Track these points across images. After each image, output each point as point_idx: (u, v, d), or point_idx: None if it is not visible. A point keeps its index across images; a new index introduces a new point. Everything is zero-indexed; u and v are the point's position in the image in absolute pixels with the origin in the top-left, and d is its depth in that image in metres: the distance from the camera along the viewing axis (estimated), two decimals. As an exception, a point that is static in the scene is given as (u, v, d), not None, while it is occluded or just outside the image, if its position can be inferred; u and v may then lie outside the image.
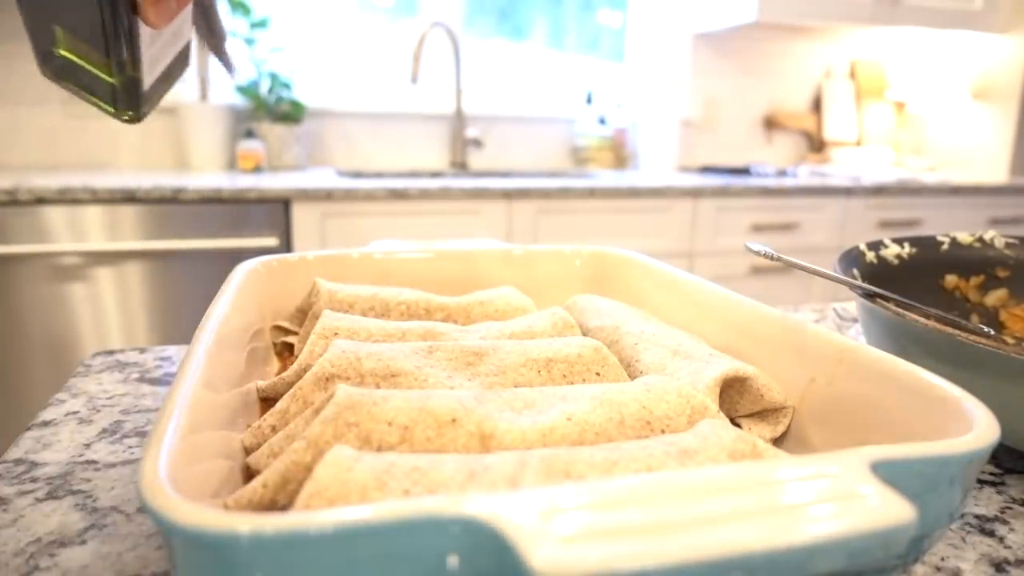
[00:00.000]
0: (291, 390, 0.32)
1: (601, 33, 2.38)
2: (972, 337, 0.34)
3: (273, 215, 1.49)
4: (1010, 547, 0.31)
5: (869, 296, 0.42)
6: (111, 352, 0.53)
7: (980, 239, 0.56)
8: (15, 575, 0.27)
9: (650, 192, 1.75)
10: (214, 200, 1.44)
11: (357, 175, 1.96)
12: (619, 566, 0.16)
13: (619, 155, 2.28)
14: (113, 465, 0.36)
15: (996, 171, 2.30)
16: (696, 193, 1.80)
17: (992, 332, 0.50)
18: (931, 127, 2.52)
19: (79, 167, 1.80)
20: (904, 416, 0.28)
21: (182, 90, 1.85)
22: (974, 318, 0.54)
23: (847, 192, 1.95)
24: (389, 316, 0.43)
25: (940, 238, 0.56)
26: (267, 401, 0.35)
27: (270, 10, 1.93)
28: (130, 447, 0.38)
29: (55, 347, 1.43)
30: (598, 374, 0.35)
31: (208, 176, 1.65)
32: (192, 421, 0.23)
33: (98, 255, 1.41)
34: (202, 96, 1.86)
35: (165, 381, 0.48)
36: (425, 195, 1.57)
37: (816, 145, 2.47)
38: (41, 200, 1.36)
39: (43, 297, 1.40)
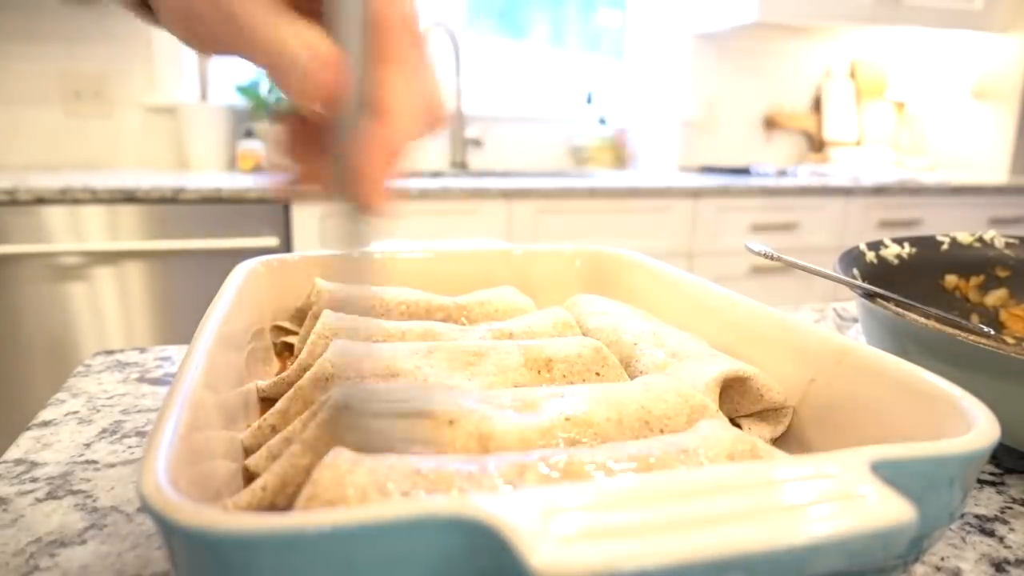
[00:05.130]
0: (291, 390, 0.32)
1: (601, 33, 2.38)
2: (972, 337, 0.34)
3: (273, 215, 1.49)
4: (1010, 547, 0.31)
5: (869, 296, 0.42)
6: (111, 352, 0.53)
7: (980, 239, 0.56)
8: (15, 575, 0.27)
9: (650, 192, 1.75)
10: (214, 200, 1.44)
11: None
12: (619, 566, 0.16)
13: (619, 155, 2.28)
14: (113, 465, 0.36)
15: (996, 171, 2.30)
16: (696, 193, 1.80)
17: (992, 332, 0.50)
18: (931, 127, 2.51)
19: (79, 167, 1.80)
20: (904, 416, 0.28)
21: (182, 90, 1.85)
22: (974, 318, 0.54)
23: (847, 192, 1.94)
24: (389, 316, 0.43)
25: (940, 238, 0.56)
26: (267, 401, 0.35)
27: (270, 10, 1.93)
28: (130, 447, 0.38)
29: (55, 347, 1.43)
30: (598, 374, 0.35)
31: (208, 176, 1.65)
32: (192, 421, 0.23)
33: (98, 255, 1.41)
34: (202, 96, 1.86)
35: (165, 381, 0.48)
36: (425, 195, 1.57)
37: (816, 145, 2.47)
38: (41, 200, 1.36)
39: (43, 297, 1.40)
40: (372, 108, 0.24)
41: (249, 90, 1.83)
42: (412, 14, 0.24)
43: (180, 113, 1.82)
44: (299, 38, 0.23)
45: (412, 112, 0.24)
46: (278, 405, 0.31)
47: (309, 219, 1.51)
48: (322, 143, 0.25)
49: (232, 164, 1.88)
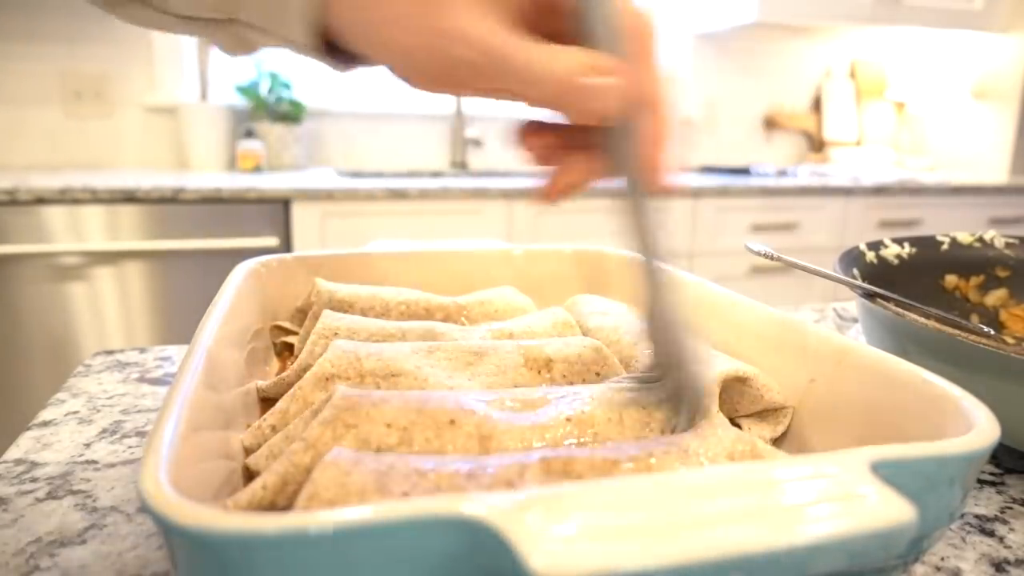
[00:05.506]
0: (291, 390, 0.32)
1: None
2: (972, 337, 0.34)
3: (273, 215, 1.49)
4: (1010, 547, 0.31)
5: (869, 296, 0.42)
6: (111, 352, 0.53)
7: (980, 239, 0.56)
8: (15, 575, 0.27)
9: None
10: (214, 200, 1.44)
11: (357, 175, 1.96)
12: (619, 566, 0.16)
13: (619, 155, 2.27)
14: (113, 465, 0.36)
15: (996, 171, 2.30)
16: (696, 193, 1.80)
17: (992, 332, 0.50)
18: (931, 127, 2.51)
19: (80, 167, 1.80)
20: (904, 416, 0.28)
21: (182, 90, 1.86)
22: (974, 318, 0.54)
23: (847, 192, 1.94)
24: (389, 316, 0.43)
25: (940, 238, 0.56)
26: (267, 401, 0.35)
27: (270, 10, 1.92)
28: (130, 447, 0.38)
29: (55, 347, 1.43)
30: (598, 374, 0.35)
31: (208, 176, 1.65)
32: (192, 421, 0.23)
33: (98, 255, 1.41)
34: (202, 96, 1.86)
35: (165, 381, 0.48)
36: (425, 195, 1.57)
37: (816, 145, 2.47)
38: (41, 200, 1.36)
39: (43, 297, 1.40)
40: (640, 102, 0.26)
41: (249, 90, 1.83)
42: (647, 16, 0.26)
43: (180, 113, 1.82)
44: (572, 62, 0.24)
45: (668, 101, 0.26)
46: (278, 405, 0.31)
47: (309, 219, 1.51)
48: (585, 141, 0.28)
49: (232, 164, 1.88)
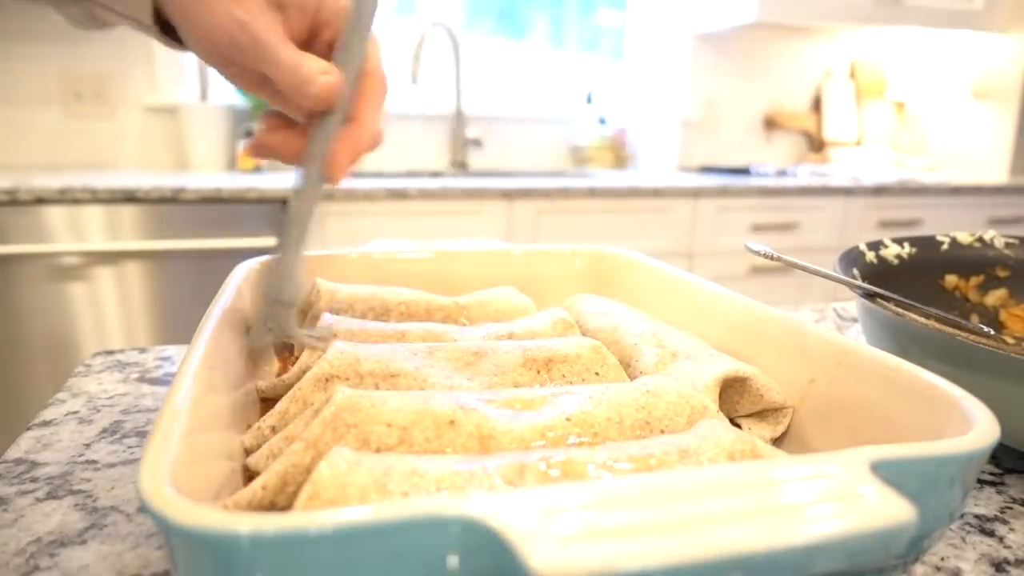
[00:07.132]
0: (291, 391, 0.32)
1: (601, 33, 2.38)
2: (972, 337, 0.34)
3: (273, 215, 1.49)
4: (1010, 547, 0.31)
5: (869, 296, 0.42)
6: (111, 352, 0.53)
7: (980, 239, 0.56)
8: (15, 575, 0.27)
9: (650, 192, 1.75)
10: (214, 200, 1.44)
11: (356, 175, 1.96)
12: (619, 566, 0.16)
13: (619, 155, 2.28)
14: (113, 465, 0.36)
15: (996, 171, 2.30)
16: (696, 193, 1.80)
17: (992, 332, 0.50)
18: (931, 127, 2.51)
19: (80, 167, 1.80)
20: (904, 416, 0.28)
21: (182, 90, 1.86)
22: (974, 318, 0.54)
23: (847, 192, 1.94)
24: (389, 316, 0.43)
25: (940, 238, 0.56)
26: (267, 401, 0.35)
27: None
28: (130, 447, 0.38)
29: (55, 347, 1.43)
30: (597, 374, 0.35)
31: (208, 176, 1.65)
32: (192, 421, 0.23)
33: (98, 255, 1.41)
34: (202, 96, 1.85)
35: (165, 381, 0.48)
36: (425, 195, 1.57)
37: (816, 145, 2.47)
38: (41, 200, 1.36)
39: (43, 297, 1.40)
40: (348, 119, 0.35)
41: (249, 90, 1.83)
42: (386, 76, 0.37)
43: (180, 113, 1.82)
44: (314, 64, 0.33)
45: (372, 130, 0.36)
46: (278, 406, 0.31)
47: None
48: (300, 131, 0.36)
49: (232, 164, 1.88)
